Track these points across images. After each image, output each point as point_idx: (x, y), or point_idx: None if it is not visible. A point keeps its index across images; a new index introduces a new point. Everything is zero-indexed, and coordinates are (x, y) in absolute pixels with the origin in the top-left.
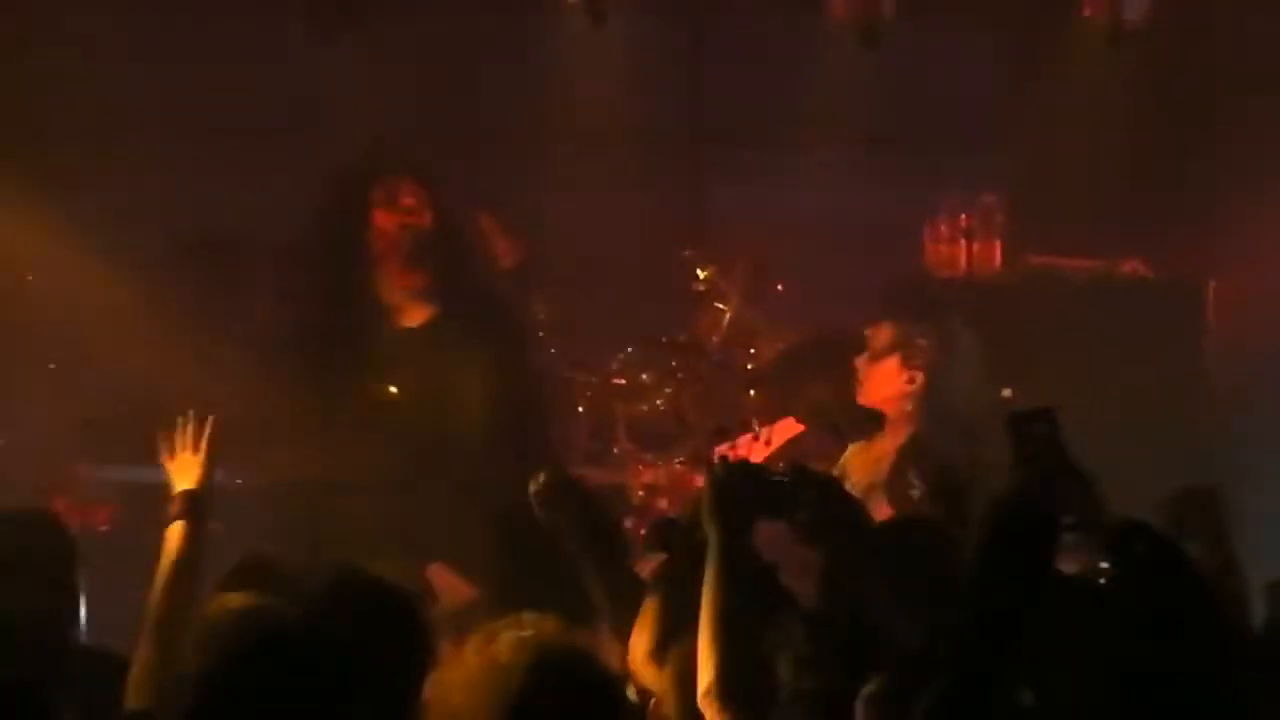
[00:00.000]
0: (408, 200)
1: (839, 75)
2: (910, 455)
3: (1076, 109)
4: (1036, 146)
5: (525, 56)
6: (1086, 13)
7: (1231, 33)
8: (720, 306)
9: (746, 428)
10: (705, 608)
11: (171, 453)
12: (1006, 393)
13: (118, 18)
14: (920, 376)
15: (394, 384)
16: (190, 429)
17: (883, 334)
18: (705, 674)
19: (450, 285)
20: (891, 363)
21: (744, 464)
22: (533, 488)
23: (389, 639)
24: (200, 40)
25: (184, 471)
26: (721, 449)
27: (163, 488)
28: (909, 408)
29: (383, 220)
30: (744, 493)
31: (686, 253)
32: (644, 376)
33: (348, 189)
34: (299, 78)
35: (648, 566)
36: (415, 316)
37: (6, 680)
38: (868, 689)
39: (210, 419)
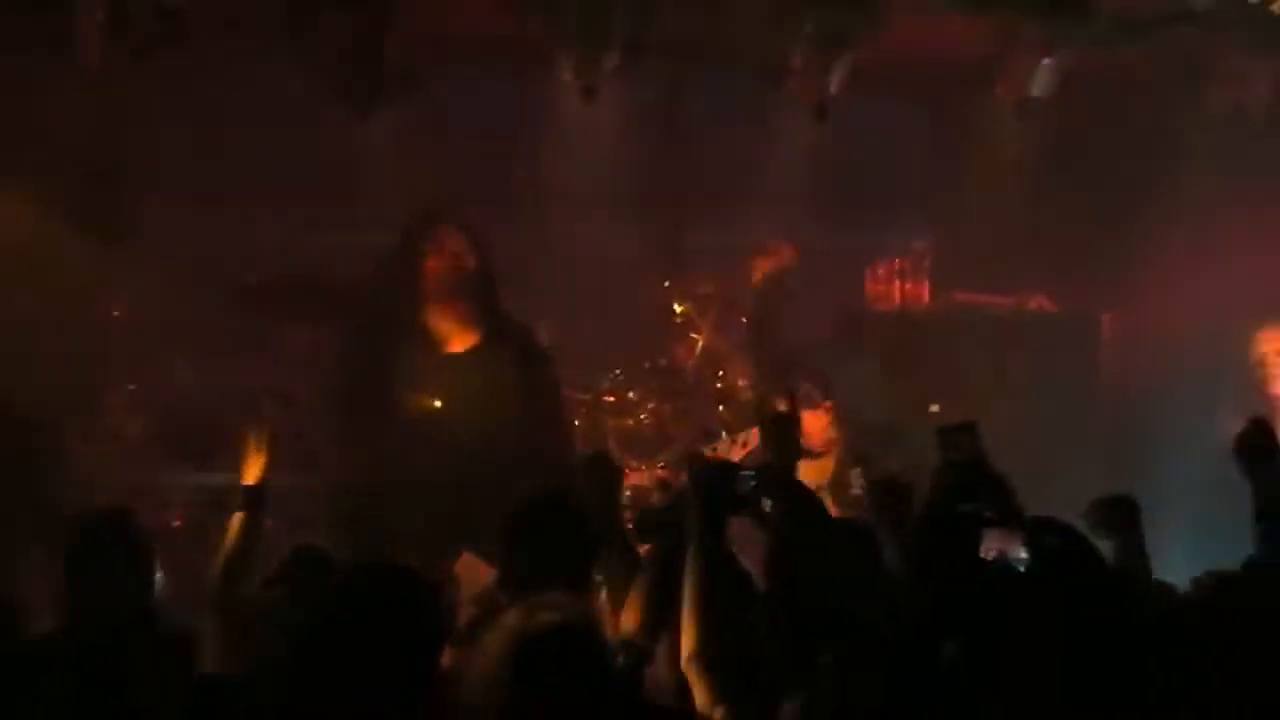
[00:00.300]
0: (454, 247)
1: (796, 140)
2: (846, 463)
3: (993, 169)
4: (959, 201)
5: (531, 122)
6: (999, 91)
7: (1121, 106)
8: (695, 336)
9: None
10: (688, 587)
11: (243, 454)
12: (934, 408)
13: (203, 93)
14: (828, 413)
15: (440, 399)
16: (256, 434)
17: (801, 395)
18: (688, 644)
19: (489, 317)
20: (810, 413)
21: (720, 463)
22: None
23: (409, 616)
24: (267, 111)
25: (249, 470)
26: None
27: (224, 490)
28: (833, 435)
29: (432, 264)
30: (720, 488)
31: (666, 284)
32: (630, 395)
33: (405, 238)
34: (345, 143)
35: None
36: (460, 343)
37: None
38: (825, 657)
39: (268, 426)
